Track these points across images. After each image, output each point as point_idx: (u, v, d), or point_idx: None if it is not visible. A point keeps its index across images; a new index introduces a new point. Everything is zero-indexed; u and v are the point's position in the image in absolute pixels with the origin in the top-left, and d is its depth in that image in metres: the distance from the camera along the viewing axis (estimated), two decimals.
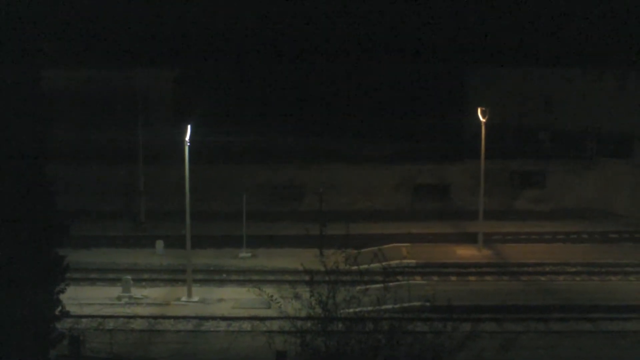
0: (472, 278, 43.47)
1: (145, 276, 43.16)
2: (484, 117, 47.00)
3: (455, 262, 45.93)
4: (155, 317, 36.97)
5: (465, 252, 47.83)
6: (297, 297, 22.47)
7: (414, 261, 45.49)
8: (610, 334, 35.22)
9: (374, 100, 61.96)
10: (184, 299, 39.40)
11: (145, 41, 58.35)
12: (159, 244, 47.94)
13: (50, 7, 24.72)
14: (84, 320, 35.71)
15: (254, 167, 57.34)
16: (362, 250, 34.06)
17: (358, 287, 23.36)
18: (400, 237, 50.33)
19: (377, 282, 32.95)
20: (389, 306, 26.14)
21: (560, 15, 61.27)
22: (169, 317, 36.92)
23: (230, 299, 39.46)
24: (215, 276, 43.62)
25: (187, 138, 38.99)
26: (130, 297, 39.48)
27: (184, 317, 36.84)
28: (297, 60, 61.02)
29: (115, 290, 40.16)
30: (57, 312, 25.01)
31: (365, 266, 30.17)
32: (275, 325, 32.44)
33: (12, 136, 23.58)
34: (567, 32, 61.00)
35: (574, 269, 44.63)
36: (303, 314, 21.69)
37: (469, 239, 49.58)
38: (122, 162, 55.83)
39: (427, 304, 28.30)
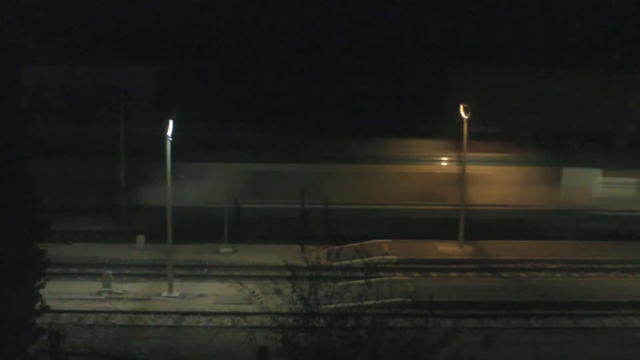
0: (453, 274, 43.58)
1: (126, 271, 42.95)
2: (466, 114, 47.04)
3: (437, 258, 46.02)
4: (135, 313, 36.79)
5: (447, 249, 47.91)
6: (278, 292, 22.45)
7: (395, 257, 45.53)
8: (591, 330, 35.42)
9: (355, 97, 61.92)
10: (164, 294, 39.28)
11: (128, 35, 58.05)
12: (140, 239, 47.78)
13: (31, 0, 24.48)
14: (64, 315, 35.49)
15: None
16: (344, 246, 34.06)
17: (340, 283, 23.35)
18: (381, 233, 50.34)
19: (358, 278, 33.00)
20: (371, 302, 26.20)
21: (545, 13, 61.46)
22: (150, 313, 36.78)
23: (211, 295, 39.38)
24: (196, 271, 43.53)
25: (169, 133, 38.82)
26: (110, 292, 39.32)
27: (165, 313, 36.72)
28: (278, 57, 60.91)
29: (96, 285, 39.99)
30: (37, 307, 24.81)
31: (347, 262, 30.18)
32: (256, 321, 32.31)
33: None
34: (552, 31, 61.18)
35: (554, 266, 44.84)
36: (284, 309, 21.68)
37: (451, 235, 49.64)
38: (104, 156, 55.56)
39: (409, 300, 28.34)
